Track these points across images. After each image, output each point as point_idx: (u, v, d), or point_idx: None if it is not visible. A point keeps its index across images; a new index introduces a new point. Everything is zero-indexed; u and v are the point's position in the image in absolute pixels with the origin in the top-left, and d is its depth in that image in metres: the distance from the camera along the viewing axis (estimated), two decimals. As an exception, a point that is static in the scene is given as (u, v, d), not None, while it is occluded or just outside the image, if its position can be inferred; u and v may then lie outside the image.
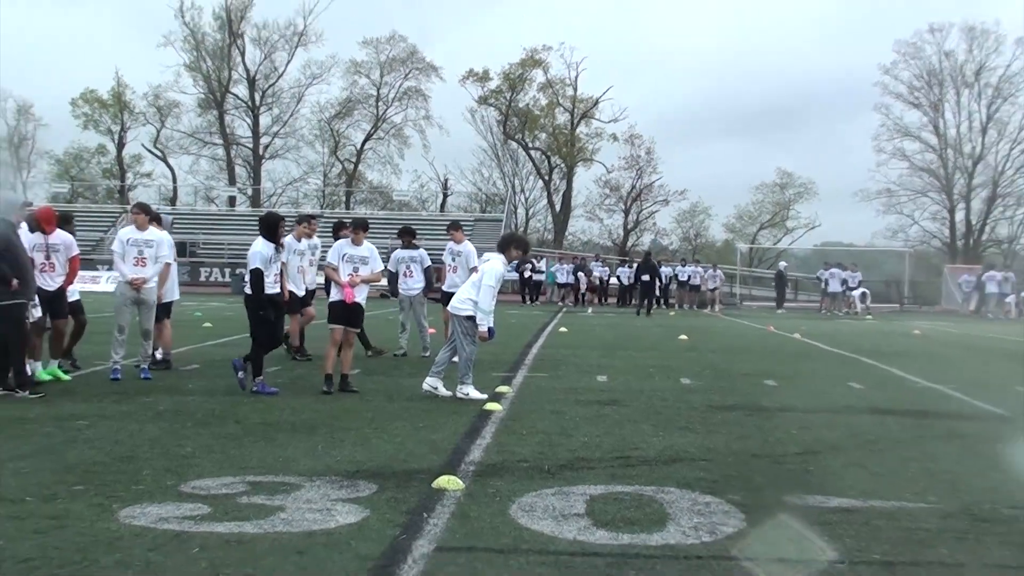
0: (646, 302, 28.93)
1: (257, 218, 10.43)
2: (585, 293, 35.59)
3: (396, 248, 13.44)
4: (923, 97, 53.88)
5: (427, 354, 12.78)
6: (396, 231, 14.43)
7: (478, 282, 8.98)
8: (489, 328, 8.98)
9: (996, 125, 53.00)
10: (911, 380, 11.55)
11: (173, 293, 11.20)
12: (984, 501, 5.40)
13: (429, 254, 13.44)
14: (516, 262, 10.35)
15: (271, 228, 9.34)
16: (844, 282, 33.74)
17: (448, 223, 13.86)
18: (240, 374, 9.18)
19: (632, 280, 35.19)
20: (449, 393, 8.99)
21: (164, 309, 10.98)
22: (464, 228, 13.85)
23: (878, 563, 4.27)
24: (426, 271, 13.09)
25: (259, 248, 9.27)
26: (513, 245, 9.27)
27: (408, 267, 13.08)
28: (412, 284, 13.07)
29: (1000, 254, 51.72)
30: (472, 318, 8.96)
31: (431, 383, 9.11)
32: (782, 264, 38.97)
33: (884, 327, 24.74)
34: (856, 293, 33.49)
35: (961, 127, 53.63)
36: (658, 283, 30.42)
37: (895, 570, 4.19)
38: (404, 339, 13.28)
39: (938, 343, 18.93)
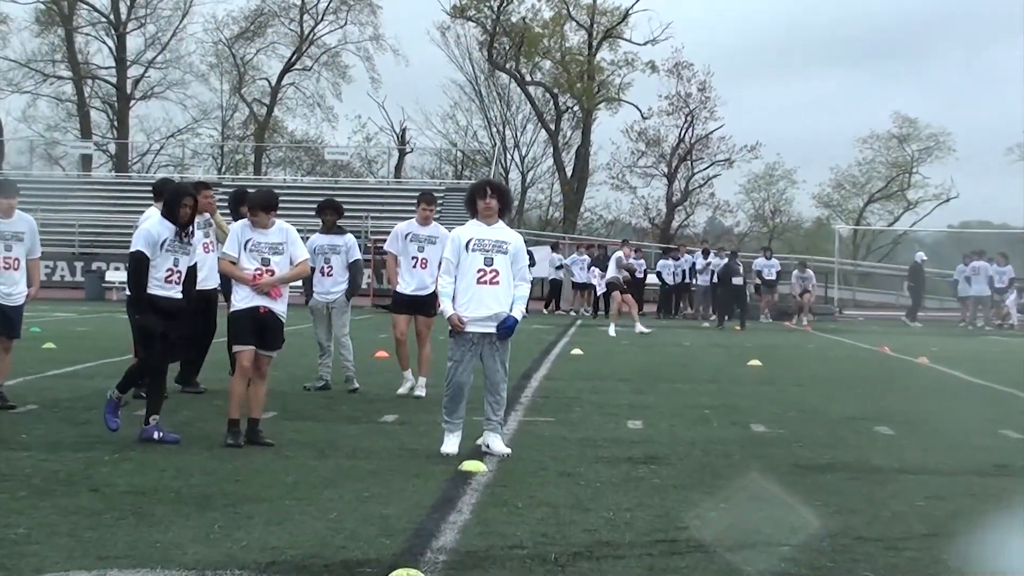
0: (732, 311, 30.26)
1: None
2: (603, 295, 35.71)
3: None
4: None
5: (356, 387, 12.83)
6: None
7: None
8: (509, 317, 9.00)
9: None
10: (1092, 426, 11.60)
11: None
12: None
13: (380, 239, 13.30)
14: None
15: (170, 203, 9.35)
16: (991, 280, 33.65)
17: (419, 194, 12.99)
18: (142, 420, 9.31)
19: (683, 278, 35.35)
20: (507, 450, 8.98)
21: (17, 322, 11.06)
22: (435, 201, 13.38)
23: None
24: (352, 267, 12.98)
25: (148, 226, 9.36)
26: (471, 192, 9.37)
27: (327, 260, 12.90)
28: (330, 286, 12.92)
29: None
30: (452, 333, 9.07)
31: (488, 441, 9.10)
32: (919, 255, 38.04)
33: (1052, 347, 24.82)
34: (1011, 298, 33.53)
35: None
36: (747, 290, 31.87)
37: None
38: (326, 367, 13.21)
39: None
